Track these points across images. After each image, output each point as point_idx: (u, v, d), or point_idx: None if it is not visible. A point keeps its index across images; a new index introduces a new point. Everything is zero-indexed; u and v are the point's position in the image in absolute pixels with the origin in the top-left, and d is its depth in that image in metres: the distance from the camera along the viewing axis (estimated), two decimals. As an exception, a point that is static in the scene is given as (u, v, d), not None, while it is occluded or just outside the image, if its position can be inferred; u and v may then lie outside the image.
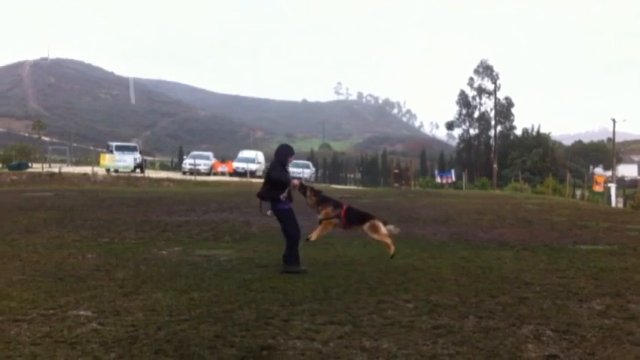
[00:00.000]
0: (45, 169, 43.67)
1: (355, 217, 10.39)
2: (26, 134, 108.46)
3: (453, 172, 55.61)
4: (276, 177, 9.84)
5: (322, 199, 10.42)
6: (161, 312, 7.04)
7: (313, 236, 10.26)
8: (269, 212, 10.06)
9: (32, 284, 8.46)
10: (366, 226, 10.33)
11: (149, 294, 7.95)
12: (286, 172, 10.06)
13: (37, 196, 23.70)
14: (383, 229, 10.36)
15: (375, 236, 10.38)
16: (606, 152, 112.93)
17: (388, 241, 10.35)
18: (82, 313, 6.99)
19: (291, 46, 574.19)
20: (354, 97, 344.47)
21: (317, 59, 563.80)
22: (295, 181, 10.25)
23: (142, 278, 8.99)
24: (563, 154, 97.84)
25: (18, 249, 11.53)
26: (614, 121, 62.65)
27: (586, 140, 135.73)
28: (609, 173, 71.22)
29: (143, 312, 7.05)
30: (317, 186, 38.35)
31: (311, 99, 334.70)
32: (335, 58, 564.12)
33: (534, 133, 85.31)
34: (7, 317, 6.73)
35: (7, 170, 43.14)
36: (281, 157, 10.07)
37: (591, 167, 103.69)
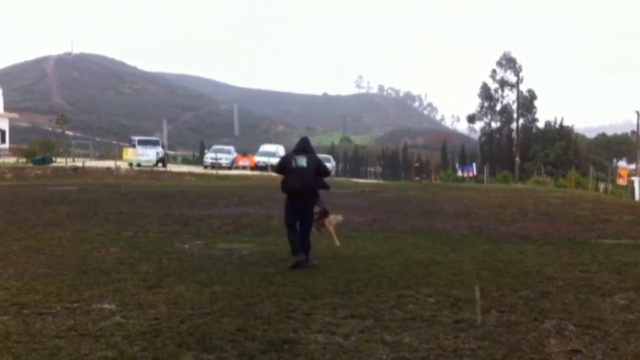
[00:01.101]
0: (69, 164, 44.07)
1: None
2: (50, 129, 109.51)
3: (474, 165, 55.32)
4: (325, 167, 10.27)
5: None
6: (184, 305, 7.11)
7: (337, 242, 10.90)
8: (316, 209, 10.20)
9: (57, 278, 8.57)
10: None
11: (172, 287, 8.02)
12: None
13: (61, 190, 23.95)
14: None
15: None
16: (630, 145, 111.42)
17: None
18: (105, 306, 7.08)
19: (313, 39, 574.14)
20: (375, 90, 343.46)
21: (338, 52, 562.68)
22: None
23: (165, 272, 9.07)
24: (586, 147, 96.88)
25: (42, 242, 11.67)
26: (638, 113, 61.80)
27: (609, 133, 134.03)
28: (633, 166, 70.33)
29: (166, 305, 7.12)
30: (336, 180, 38.32)
31: (332, 92, 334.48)
32: (356, 52, 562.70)
33: (557, 126, 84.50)
34: (32, 310, 6.83)
35: (31, 164, 43.58)
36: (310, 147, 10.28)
37: (615, 160, 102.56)
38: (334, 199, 21.84)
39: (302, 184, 9.73)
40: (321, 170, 10.00)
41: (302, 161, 9.73)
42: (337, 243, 10.87)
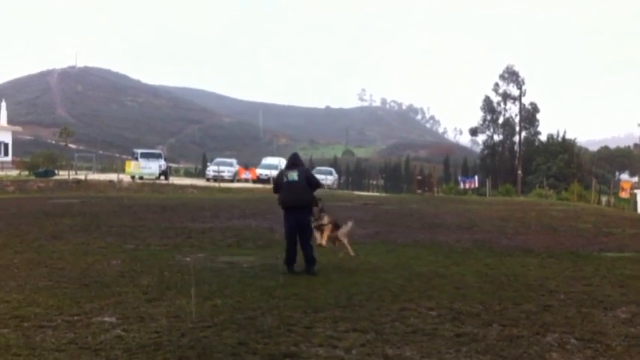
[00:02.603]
0: (71, 176, 44.10)
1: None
2: (53, 142, 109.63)
3: (476, 177, 55.23)
4: (317, 180, 10.69)
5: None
6: (185, 318, 7.09)
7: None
8: (311, 219, 10.41)
9: (58, 290, 8.56)
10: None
11: (173, 300, 8.01)
12: None
13: (63, 202, 23.97)
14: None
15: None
16: (632, 158, 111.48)
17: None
18: (106, 319, 7.06)
19: (315, 52, 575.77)
20: (377, 103, 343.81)
21: (341, 66, 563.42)
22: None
23: (166, 285, 9.06)
24: (589, 160, 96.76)
25: (44, 255, 11.67)
26: (640, 126, 61.76)
27: (612, 146, 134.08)
28: (636, 179, 70.32)
29: (167, 318, 7.10)
30: (338, 193, 38.33)
31: (334, 105, 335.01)
32: (359, 65, 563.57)
33: (559, 139, 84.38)
34: (33, 323, 6.82)
35: (33, 177, 43.61)
36: (301, 161, 10.72)
37: (617, 173, 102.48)
38: (337, 212, 21.83)
39: (295, 197, 10.21)
40: (311, 182, 10.43)
41: (293, 175, 10.27)
42: (352, 253, 11.05)
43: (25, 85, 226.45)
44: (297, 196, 10.20)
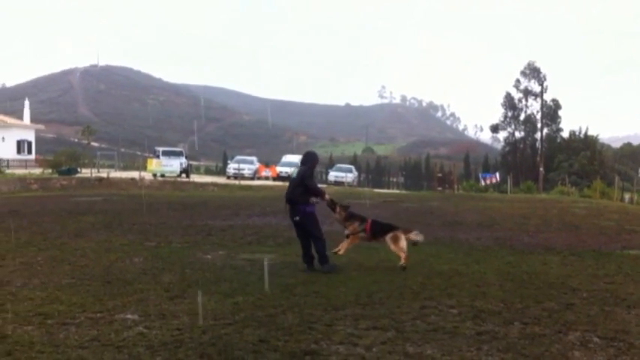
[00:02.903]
0: (93, 174, 44.49)
1: (379, 230, 10.72)
2: (76, 140, 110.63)
3: (497, 173, 54.92)
4: (313, 186, 10.44)
5: (350, 215, 10.85)
6: (206, 316, 7.13)
7: (342, 250, 10.68)
8: (297, 218, 10.42)
9: (81, 288, 8.64)
10: (388, 237, 10.59)
11: (194, 298, 8.05)
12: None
13: (85, 200, 24.19)
14: (402, 242, 10.52)
15: (393, 247, 10.60)
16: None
17: (402, 254, 10.47)
18: (128, 316, 7.13)
19: (336, 50, 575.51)
20: (397, 100, 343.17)
21: (361, 63, 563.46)
22: (327, 197, 10.61)
23: (188, 282, 9.12)
24: (612, 157, 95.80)
25: (67, 253, 11.79)
26: (665, 122, 61.12)
27: (635, 142, 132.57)
28: (660, 176, 69.45)
29: (188, 316, 7.15)
30: (359, 190, 38.32)
31: (354, 103, 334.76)
32: (379, 62, 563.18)
33: (582, 136, 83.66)
34: (56, 321, 6.90)
35: (56, 175, 44.04)
36: (312, 163, 10.68)
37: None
38: (357, 209, 21.80)
39: (287, 193, 10.52)
40: (302, 181, 10.42)
41: (294, 172, 10.47)
42: (402, 262, 10.42)
43: (48, 84, 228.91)
44: (288, 192, 10.50)
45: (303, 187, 10.33)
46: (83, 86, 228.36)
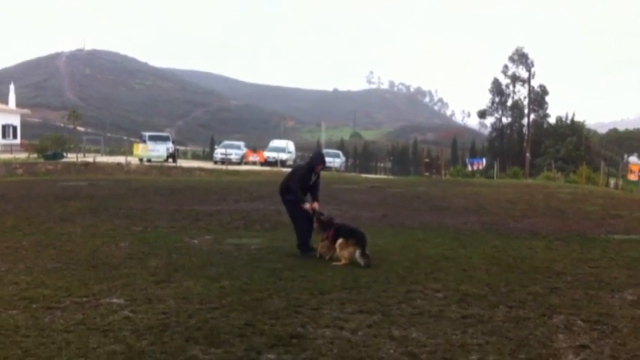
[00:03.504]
0: (79, 159, 44.23)
1: (337, 236, 9.91)
2: (62, 124, 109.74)
3: (483, 159, 55.11)
4: (293, 188, 10.39)
5: (322, 226, 10.19)
6: (192, 300, 7.13)
7: (342, 260, 9.64)
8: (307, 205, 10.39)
9: (66, 272, 8.61)
10: (338, 242, 9.78)
11: (180, 282, 8.05)
12: (309, 178, 10.51)
13: (71, 185, 24.07)
14: (346, 251, 9.62)
15: (338, 251, 9.73)
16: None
17: (343, 261, 9.58)
18: (114, 300, 7.11)
19: (322, 35, 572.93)
20: (385, 85, 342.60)
21: (349, 48, 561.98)
22: (310, 206, 10.33)
23: (174, 267, 9.10)
24: (598, 143, 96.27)
25: (53, 237, 11.73)
26: (650, 108, 61.44)
27: (621, 128, 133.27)
28: (645, 162, 69.82)
29: (175, 300, 7.14)
30: (346, 176, 38.32)
31: (342, 88, 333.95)
32: (367, 47, 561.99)
33: (568, 122, 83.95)
34: (42, 305, 6.87)
35: (42, 160, 43.75)
36: (313, 162, 10.61)
37: (626, 156, 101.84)
38: (344, 194, 21.84)
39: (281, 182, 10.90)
40: (290, 176, 10.80)
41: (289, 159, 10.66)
42: (339, 262, 9.69)
43: (33, 68, 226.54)
44: (281, 182, 10.86)
45: (288, 180, 10.62)
46: (69, 70, 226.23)
